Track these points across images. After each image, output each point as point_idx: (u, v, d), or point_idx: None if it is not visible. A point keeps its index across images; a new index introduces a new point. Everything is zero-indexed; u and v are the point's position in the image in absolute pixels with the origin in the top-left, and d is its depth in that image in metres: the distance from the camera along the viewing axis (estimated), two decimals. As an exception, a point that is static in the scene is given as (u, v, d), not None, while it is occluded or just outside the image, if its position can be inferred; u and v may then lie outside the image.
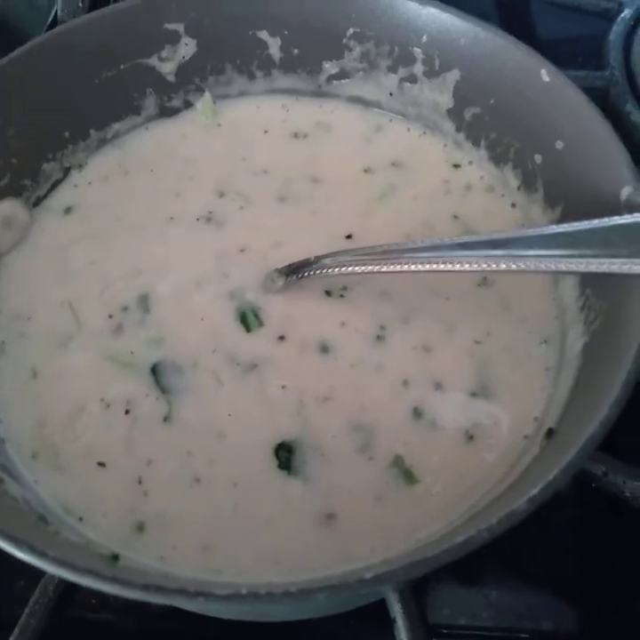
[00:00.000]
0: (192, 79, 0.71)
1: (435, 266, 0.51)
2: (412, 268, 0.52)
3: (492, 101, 0.64)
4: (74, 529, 0.47)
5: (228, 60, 0.70)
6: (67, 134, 0.66)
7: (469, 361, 0.56)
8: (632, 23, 0.82)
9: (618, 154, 0.53)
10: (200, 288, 0.60)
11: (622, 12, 0.83)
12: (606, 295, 0.52)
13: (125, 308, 0.59)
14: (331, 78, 0.71)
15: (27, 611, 0.50)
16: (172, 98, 0.71)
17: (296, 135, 0.69)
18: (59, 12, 0.86)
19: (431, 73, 0.66)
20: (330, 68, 0.71)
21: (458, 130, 0.68)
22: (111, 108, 0.69)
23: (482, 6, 0.92)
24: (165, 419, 0.53)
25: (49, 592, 0.51)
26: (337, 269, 0.56)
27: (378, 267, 0.54)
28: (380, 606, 0.50)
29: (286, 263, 0.59)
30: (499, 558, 0.56)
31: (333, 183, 0.67)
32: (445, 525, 0.47)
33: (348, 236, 0.63)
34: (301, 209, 0.65)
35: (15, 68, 0.61)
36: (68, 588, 0.51)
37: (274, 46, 0.70)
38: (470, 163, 0.68)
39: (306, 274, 0.57)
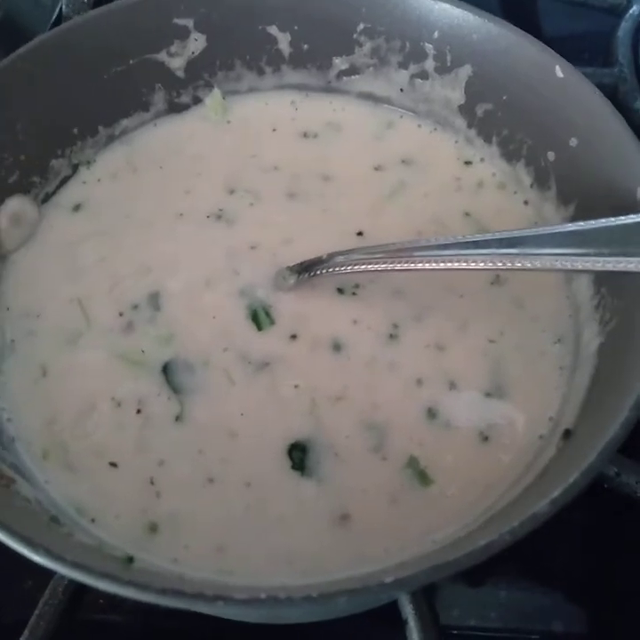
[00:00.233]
0: (201, 75, 0.70)
1: (448, 264, 0.51)
2: (426, 266, 0.51)
3: (504, 97, 0.63)
4: (86, 530, 0.47)
5: (237, 55, 0.70)
6: (75, 131, 0.66)
7: (483, 360, 0.55)
8: (640, 19, 0.82)
9: (633, 151, 0.52)
10: (210, 286, 0.59)
11: (630, 8, 0.82)
12: (622, 294, 0.51)
13: (136, 306, 0.58)
14: (341, 74, 0.70)
15: (36, 612, 0.50)
16: (181, 93, 0.70)
17: (305, 134, 0.69)
18: (63, 9, 0.85)
19: (443, 69, 0.66)
20: (340, 63, 0.70)
21: (469, 126, 0.67)
22: (119, 103, 0.68)
23: (487, 2, 0.91)
24: (177, 418, 0.53)
25: (58, 594, 0.51)
26: (349, 268, 0.55)
27: (391, 265, 0.53)
28: (392, 607, 0.50)
29: (297, 260, 0.59)
30: (509, 559, 0.55)
31: (343, 180, 0.66)
32: (461, 527, 0.47)
33: (359, 234, 0.62)
34: (311, 206, 0.65)
35: (23, 64, 0.60)
36: (78, 590, 0.51)
37: (283, 41, 0.69)
38: (482, 160, 0.67)
39: (318, 272, 0.57)
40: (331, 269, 0.56)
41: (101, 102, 0.67)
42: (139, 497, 0.49)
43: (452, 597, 0.57)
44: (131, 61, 0.66)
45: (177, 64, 0.69)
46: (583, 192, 0.58)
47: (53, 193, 0.65)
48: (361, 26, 0.67)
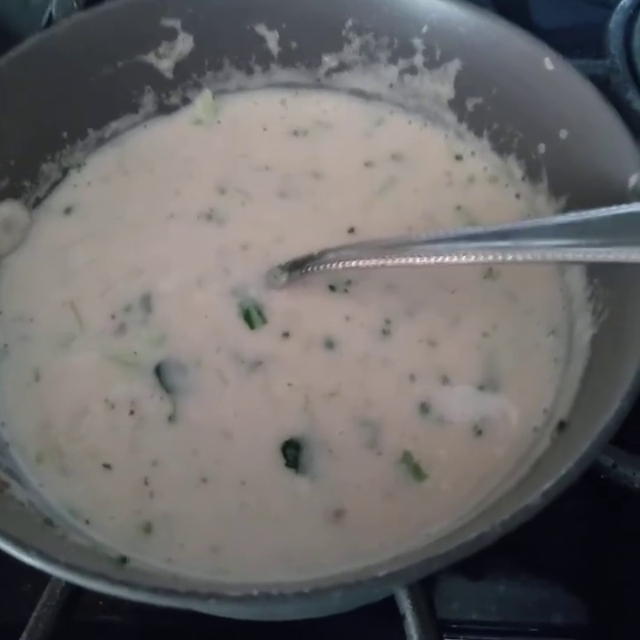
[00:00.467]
0: (190, 75, 0.70)
1: (440, 258, 0.50)
2: (418, 260, 0.51)
3: (494, 91, 0.63)
4: (80, 532, 0.47)
5: (225, 54, 0.70)
6: (65, 134, 0.66)
7: (476, 354, 0.55)
8: (632, 11, 0.82)
9: (624, 141, 0.52)
10: (202, 286, 0.59)
11: (622, 0, 0.82)
12: (615, 285, 0.51)
13: (128, 308, 0.58)
14: (330, 71, 0.70)
15: (34, 614, 0.50)
16: (171, 94, 0.70)
17: (296, 133, 0.69)
18: (53, 12, 0.85)
19: (432, 63, 0.66)
20: (329, 60, 0.70)
21: (459, 121, 0.67)
22: (109, 106, 0.68)
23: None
24: (170, 418, 0.53)
25: (56, 595, 0.50)
26: (340, 264, 0.55)
27: (382, 260, 0.53)
28: (390, 602, 0.50)
29: (288, 258, 0.58)
30: (507, 552, 0.56)
31: (334, 178, 0.66)
32: (455, 520, 0.47)
33: (351, 230, 0.62)
34: (303, 204, 0.64)
35: (11, 68, 0.60)
36: (76, 591, 0.51)
37: (272, 40, 0.69)
38: (473, 154, 0.67)
39: (309, 269, 0.57)
40: (322, 266, 0.56)
41: (90, 105, 0.67)
42: (133, 497, 0.49)
43: (451, 591, 0.57)
44: (119, 64, 0.66)
45: (165, 65, 0.68)
46: (575, 184, 0.57)
47: (44, 197, 0.65)
48: (349, 22, 0.67)
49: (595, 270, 0.54)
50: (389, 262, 0.52)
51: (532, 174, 0.62)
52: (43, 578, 0.50)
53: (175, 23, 0.66)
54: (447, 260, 0.50)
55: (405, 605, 0.49)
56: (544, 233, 0.48)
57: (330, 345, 0.56)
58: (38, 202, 0.65)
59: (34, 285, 0.60)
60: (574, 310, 0.56)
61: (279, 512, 0.49)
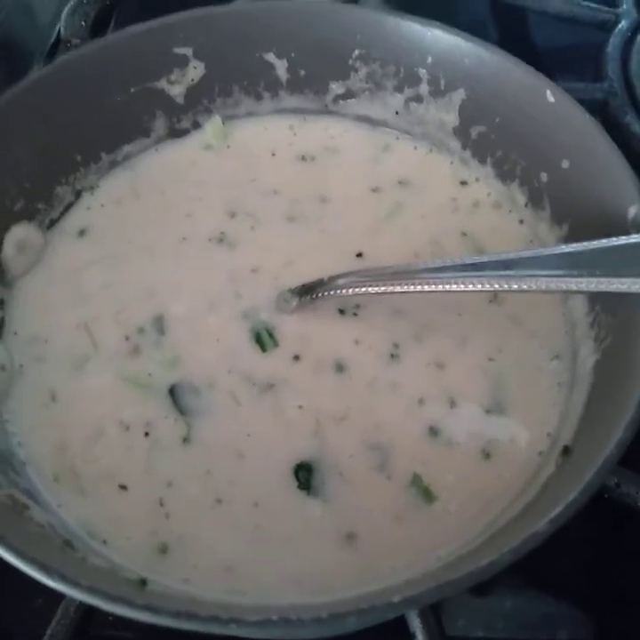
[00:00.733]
0: (201, 101, 0.71)
1: (446, 286, 0.52)
2: (425, 288, 0.53)
3: (497, 120, 0.65)
4: (98, 553, 0.48)
5: (235, 81, 0.71)
6: (78, 157, 0.67)
7: (483, 377, 0.56)
8: (630, 34, 0.82)
9: (624, 174, 0.54)
10: (214, 309, 0.61)
11: (619, 23, 0.83)
12: (616, 313, 0.53)
13: (141, 330, 0.59)
14: (337, 98, 0.72)
15: (48, 632, 0.50)
16: (182, 119, 0.72)
17: (303, 158, 0.70)
18: (62, 32, 0.87)
19: (437, 93, 0.67)
20: (336, 88, 0.71)
21: (464, 148, 0.69)
22: (121, 130, 0.69)
23: (478, 18, 0.93)
24: (184, 440, 0.54)
25: (70, 613, 0.51)
26: (350, 290, 0.57)
27: (391, 288, 0.54)
28: (399, 620, 0.51)
29: (298, 282, 0.60)
30: (513, 569, 0.56)
31: (341, 203, 0.67)
32: (464, 543, 0.48)
33: (359, 255, 0.64)
34: (311, 229, 0.66)
35: (27, 95, 0.62)
36: (90, 608, 0.52)
37: (281, 68, 0.71)
38: (477, 180, 0.69)
39: (319, 294, 0.58)
40: (332, 292, 0.58)
41: (103, 129, 0.68)
42: (148, 519, 0.50)
43: (457, 608, 0.57)
44: (132, 90, 0.68)
45: (177, 91, 0.70)
46: (576, 212, 0.59)
47: (58, 219, 0.67)
48: (356, 52, 0.68)
49: (596, 298, 0.56)
50: (398, 289, 0.54)
51: (534, 201, 0.64)
52: (54, 594, 0.51)
53: (187, 51, 0.68)
54: (454, 288, 0.52)
55: (415, 624, 0.50)
56: (547, 263, 0.50)
57: (339, 368, 0.57)
58: (52, 224, 0.66)
59: (48, 307, 0.61)
60: (577, 336, 0.57)
61: (291, 534, 0.50)
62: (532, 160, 0.63)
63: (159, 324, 0.60)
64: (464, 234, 0.65)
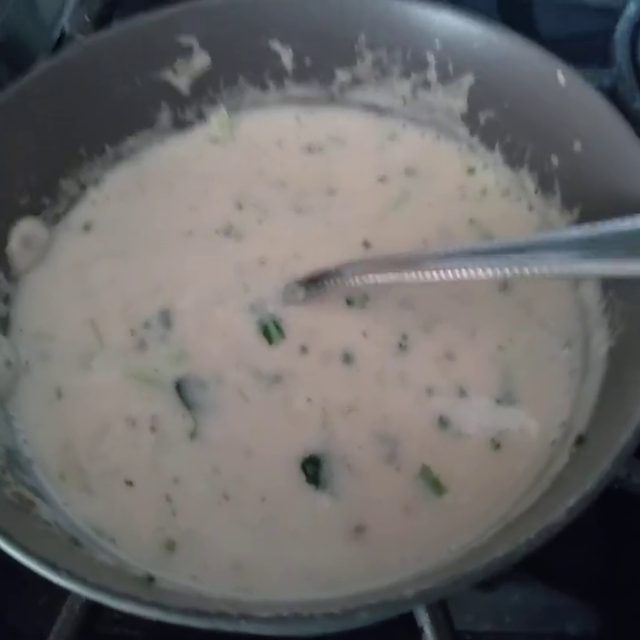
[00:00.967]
0: (206, 91, 0.71)
1: (456, 273, 0.51)
2: (434, 275, 0.51)
3: (506, 105, 0.64)
4: (105, 550, 0.47)
5: (240, 71, 0.70)
6: (83, 151, 0.67)
7: (493, 367, 0.56)
8: (638, 19, 0.81)
9: (637, 154, 0.52)
10: (221, 302, 0.60)
11: (627, 8, 0.81)
12: (630, 298, 0.51)
13: (147, 325, 0.59)
14: (343, 86, 0.71)
15: (54, 629, 0.50)
16: (186, 110, 0.71)
17: (310, 148, 0.69)
18: (66, 28, 0.86)
19: (445, 78, 0.66)
20: (342, 75, 0.70)
21: (472, 134, 0.67)
22: (126, 122, 0.69)
23: (484, 5, 0.92)
24: (191, 435, 0.53)
25: (76, 610, 0.51)
26: (357, 279, 0.56)
27: (399, 276, 0.53)
28: (407, 615, 0.50)
29: (305, 273, 0.59)
30: (521, 563, 0.56)
31: (348, 193, 0.67)
32: (476, 536, 0.47)
33: (365, 244, 0.63)
34: (318, 219, 0.65)
35: (32, 88, 0.61)
36: (96, 605, 0.51)
37: (286, 56, 0.70)
38: (485, 167, 0.67)
39: (326, 284, 0.57)
40: (339, 281, 0.57)
41: (108, 122, 0.67)
42: (156, 515, 0.50)
43: (465, 602, 0.56)
44: (136, 81, 0.67)
45: (182, 82, 0.69)
46: (588, 196, 0.58)
47: (63, 214, 0.66)
48: (362, 38, 0.67)
49: (610, 283, 0.54)
50: (406, 278, 0.53)
51: (544, 187, 0.63)
52: (60, 591, 0.50)
53: (191, 41, 0.67)
54: (463, 274, 0.50)
55: (423, 619, 0.49)
56: (558, 246, 0.48)
57: (347, 360, 0.56)
58: (57, 218, 0.66)
59: (54, 303, 0.61)
60: (590, 323, 0.56)
61: (300, 528, 0.49)
62: (542, 144, 0.62)
63: (165, 319, 0.59)
64: (472, 221, 0.64)
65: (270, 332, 0.58)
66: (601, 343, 0.54)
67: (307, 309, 0.59)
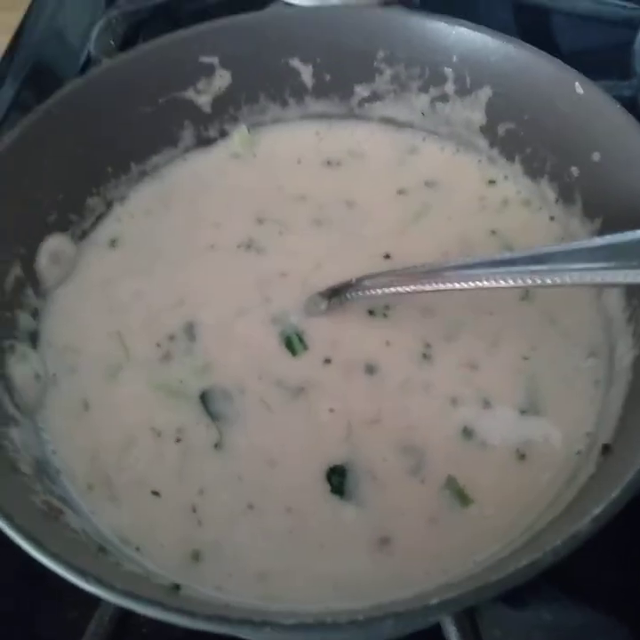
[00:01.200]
0: (227, 109, 0.72)
1: (478, 283, 0.51)
2: (456, 285, 0.52)
3: (525, 116, 0.64)
4: (132, 559, 0.48)
5: (261, 89, 0.72)
6: (109, 169, 0.68)
7: (516, 377, 0.55)
8: (657, 31, 0.81)
9: (658, 163, 0.52)
10: (243, 314, 0.61)
11: (646, 19, 0.82)
12: (655, 306, 0.51)
13: (172, 337, 0.60)
14: (362, 101, 0.72)
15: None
16: (208, 128, 0.72)
17: (329, 163, 0.70)
18: (91, 51, 0.89)
19: (463, 91, 0.67)
20: (361, 91, 0.71)
21: (491, 146, 0.68)
22: (150, 141, 0.70)
23: (501, 19, 0.93)
24: (216, 446, 0.54)
25: (105, 622, 0.51)
26: (379, 290, 0.56)
27: (420, 286, 0.54)
28: (434, 628, 0.50)
29: (326, 285, 0.60)
30: (550, 579, 0.55)
31: (368, 206, 0.67)
32: (503, 546, 0.47)
33: (387, 256, 0.63)
34: (338, 232, 0.66)
35: (61, 109, 0.63)
36: (123, 618, 0.52)
37: (306, 73, 0.71)
38: (505, 178, 0.68)
39: (348, 296, 0.58)
40: (360, 293, 0.57)
41: (133, 141, 0.69)
42: (181, 525, 0.50)
43: (494, 618, 0.56)
44: (160, 100, 0.68)
45: (204, 100, 0.71)
46: (609, 206, 0.58)
47: (89, 230, 0.67)
48: (380, 54, 0.68)
49: (634, 291, 0.54)
50: (428, 288, 0.53)
51: (565, 197, 0.63)
52: (89, 605, 0.51)
53: (213, 60, 0.69)
54: (485, 284, 0.51)
55: (451, 631, 0.49)
56: (581, 256, 0.48)
57: (371, 370, 0.56)
58: (84, 235, 0.67)
59: (81, 316, 0.62)
60: (614, 332, 0.56)
61: (325, 539, 0.49)
62: (562, 155, 0.62)
63: (190, 331, 0.60)
64: (493, 232, 0.64)
65: (293, 343, 0.58)
66: (625, 353, 0.53)
67: (329, 320, 0.59)
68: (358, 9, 0.71)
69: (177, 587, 0.45)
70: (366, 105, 0.72)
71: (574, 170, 0.60)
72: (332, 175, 0.70)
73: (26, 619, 0.56)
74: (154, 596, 0.36)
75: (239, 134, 0.73)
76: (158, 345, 0.59)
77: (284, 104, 0.73)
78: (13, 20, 0.95)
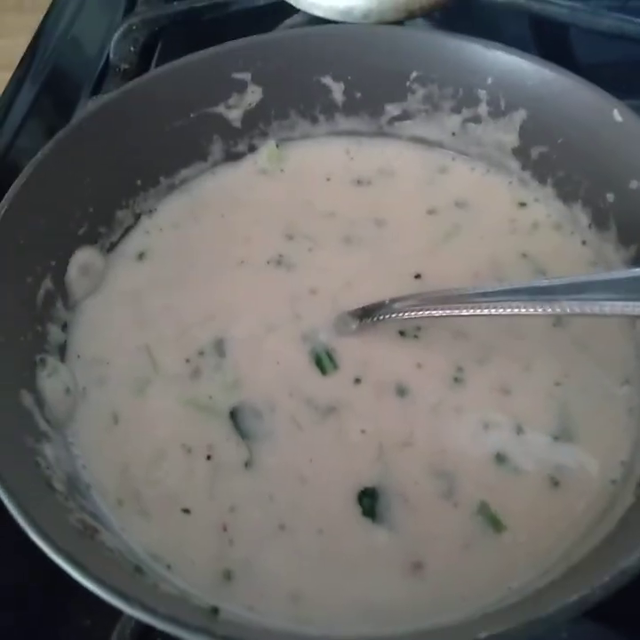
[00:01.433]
0: (257, 124, 0.72)
1: (510, 310, 0.51)
2: (491, 311, 0.52)
3: (560, 140, 0.64)
4: (165, 578, 0.47)
5: (291, 105, 0.72)
6: (139, 182, 0.68)
7: (549, 402, 0.55)
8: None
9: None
10: (273, 331, 0.60)
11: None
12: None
13: (201, 353, 0.59)
14: (392, 120, 0.72)
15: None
16: (238, 143, 0.72)
17: (359, 182, 0.70)
18: (111, 56, 0.89)
19: (496, 113, 0.67)
20: (392, 109, 0.71)
21: (523, 168, 0.68)
22: (180, 155, 0.70)
23: (520, 35, 0.93)
24: (247, 464, 0.53)
25: (126, 636, 0.51)
26: (411, 313, 0.56)
27: (454, 310, 0.54)
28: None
29: (357, 304, 0.59)
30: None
31: (398, 225, 0.67)
32: (538, 574, 0.46)
33: (417, 276, 0.63)
34: (368, 250, 0.66)
35: (92, 123, 0.63)
36: (144, 632, 0.51)
37: (337, 91, 0.71)
38: (536, 200, 0.68)
39: (379, 317, 0.58)
40: (392, 315, 0.57)
41: (163, 154, 0.69)
42: (212, 543, 0.50)
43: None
44: (191, 115, 0.69)
45: (234, 115, 0.71)
46: (645, 233, 0.58)
47: (118, 242, 0.67)
48: (414, 74, 0.68)
49: (669, 320, 0.54)
50: (462, 312, 0.53)
51: (598, 222, 0.62)
52: (105, 615, 0.50)
53: (245, 76, 0.69)
54: (518, 311, 0.51)
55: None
56: (619, 286, 0.48)
57: (402, 392, 0.56)
58: (112, 247, 0.67)
59: (110, 329, 0.62)
60: (648, 360, 0.56)
61: (357, 562, 0.49)
62: (597, 180, 0.62)
63: (219, 347, 0.60)
64: (524, 255, 0.64)
65: (323, 362, 0.58)
66: (659, 381, 0.53)
67: (359, 340, 0.59)
68: (393, 28, 0.71)
69: (215, 610, 0.45)
70: (396, 123, 0.72)
71: (610, 196, 0.60)
72: (361, 192, 0.70)
73: (49, 631, 0.55)
74: (197, 623, 0.36)
75: (268, 149, 0.73)
76: (187, 360, 0.59)
77: (314, 120, 0.73)
78: (33, 22, 0.95)
